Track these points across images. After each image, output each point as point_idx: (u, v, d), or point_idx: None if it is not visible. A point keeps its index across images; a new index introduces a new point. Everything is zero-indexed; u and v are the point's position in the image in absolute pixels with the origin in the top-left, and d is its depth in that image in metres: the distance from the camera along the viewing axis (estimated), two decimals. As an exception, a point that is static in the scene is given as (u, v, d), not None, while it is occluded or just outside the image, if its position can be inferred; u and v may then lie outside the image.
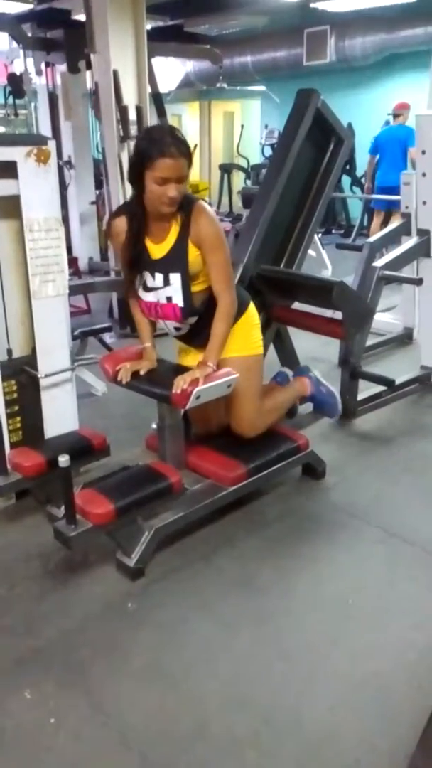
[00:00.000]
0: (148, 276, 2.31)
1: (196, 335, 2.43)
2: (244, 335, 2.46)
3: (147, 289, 2.34)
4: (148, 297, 2.35)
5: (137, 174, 2.15)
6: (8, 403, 2.53)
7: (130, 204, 2.29)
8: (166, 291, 2.30)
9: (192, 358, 2.46)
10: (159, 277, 2.29)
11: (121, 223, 2.30)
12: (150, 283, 2.32)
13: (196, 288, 2.30)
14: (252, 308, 2.53)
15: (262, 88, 9.31)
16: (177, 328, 2.44)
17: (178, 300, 2.29)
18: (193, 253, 2.25)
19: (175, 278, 2.26)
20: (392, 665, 1.82)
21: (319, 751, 1.58)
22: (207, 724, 1.66)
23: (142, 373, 2.36)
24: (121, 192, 4.76)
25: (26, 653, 1.89)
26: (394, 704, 1.70)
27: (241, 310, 2.43)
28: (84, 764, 1.56)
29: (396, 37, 8.21)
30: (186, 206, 2.22)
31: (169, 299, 2.31)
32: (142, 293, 2.36)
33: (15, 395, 2.54)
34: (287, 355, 3.35)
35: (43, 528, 2.37)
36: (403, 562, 2.28)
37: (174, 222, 2.25)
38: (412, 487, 2.76)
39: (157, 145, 2.10)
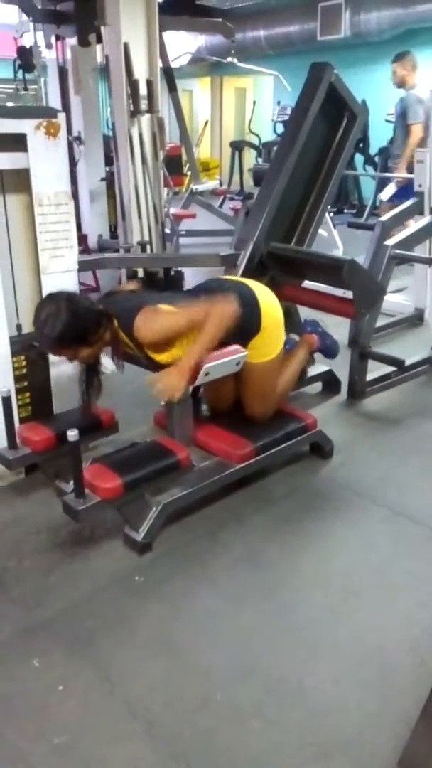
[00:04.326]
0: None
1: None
2: (264, 344, 2.45)
3: None
4: None
5: None
6: (18, 378, 2.54)
7: None
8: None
9: None
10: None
11: None
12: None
13: (173, 353, 2.26)
14: (266, 322, 2.43)
15: (274, 73, 9.16)
16: None
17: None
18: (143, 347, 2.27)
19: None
20: (396, 641, 1.84)
21: (322, 722, 1.60)
22: (212, 694, 1.68)
23: None
24: (131, 169, 4.73)
25: (35, 623, 1.93)
26: (397, 678, 1.72)
27: (254, 332, 2.40)
28: (90, 731, 1.59)
29: (412, 12, 8.03)
30: (125, 322, 2.21)
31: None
32: None
33: (24, 370, 2.56)
34: (294, 326, 3.31)
35: (52, 502, 2.40)
36: (408, 540, 2.29)
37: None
38: (419, 467, 2.76)
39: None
